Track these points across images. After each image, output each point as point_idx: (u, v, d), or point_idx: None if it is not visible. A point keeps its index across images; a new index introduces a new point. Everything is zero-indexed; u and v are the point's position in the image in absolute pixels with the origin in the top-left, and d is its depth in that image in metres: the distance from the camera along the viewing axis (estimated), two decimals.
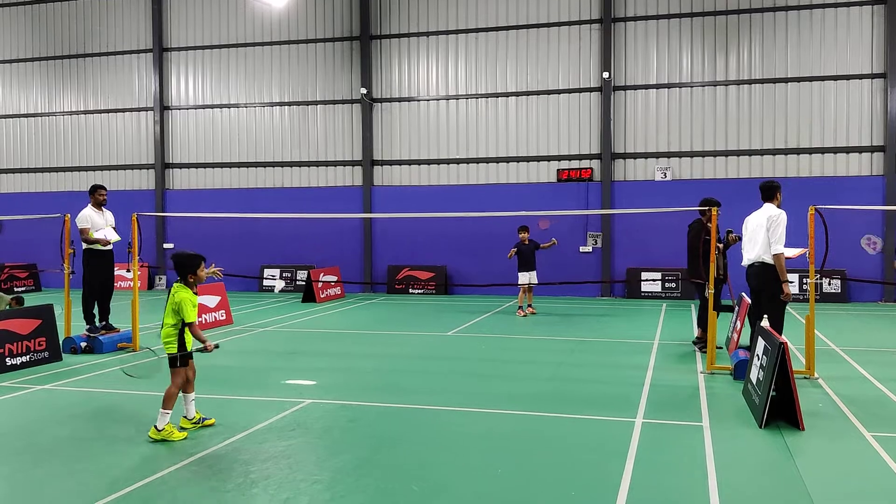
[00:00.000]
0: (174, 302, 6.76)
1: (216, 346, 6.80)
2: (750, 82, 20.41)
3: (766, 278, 8.95)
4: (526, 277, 16.52)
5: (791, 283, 8.87)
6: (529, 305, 16.98)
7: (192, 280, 6.94)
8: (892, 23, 19.31)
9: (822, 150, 19.98)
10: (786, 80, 20.18)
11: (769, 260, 8.89)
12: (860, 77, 19.72)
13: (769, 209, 9.11)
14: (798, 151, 20.14)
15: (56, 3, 25.76)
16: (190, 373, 7.03)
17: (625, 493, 5.29)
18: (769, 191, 9.31)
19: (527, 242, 16.63)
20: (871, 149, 19.71)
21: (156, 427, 6.62)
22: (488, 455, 6.27)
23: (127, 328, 12.34)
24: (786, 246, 9.12)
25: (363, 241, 23.24)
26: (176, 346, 6.83)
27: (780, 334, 9.01)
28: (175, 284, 6.94)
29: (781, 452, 6.30)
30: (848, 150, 19.85)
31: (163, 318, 6.92)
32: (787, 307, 9.44)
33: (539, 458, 6.19)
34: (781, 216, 8.94)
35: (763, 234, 8.95)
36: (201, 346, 6.74)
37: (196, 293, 6.97)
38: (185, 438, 6.64)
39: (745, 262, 9.32)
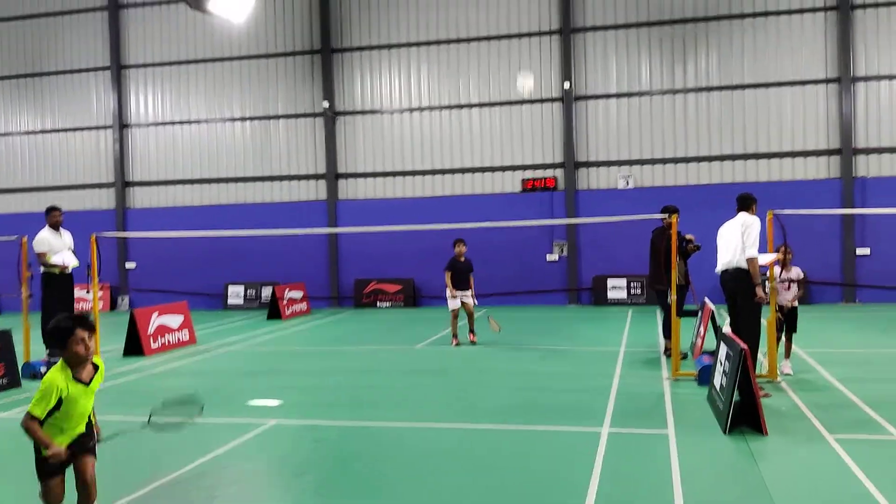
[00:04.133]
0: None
1: (63, 454, 4.68)
2: (708, 89, 20.70)
3: (740, 283, 9.03)
4: (457, 300, 13.84)
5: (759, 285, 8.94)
6: (471, 331, 14.08)
7: (66, 357, 4.68)
8: (843, 29, 19.73)
9: (781, 155, 20.32)
10: (743, 87, 20.50)
11: (744, 265, 8.97)
12: (815, 82, 20.11)
13: (743, 216, 9.20)
14: (757, 156, 20.46)
15: (11, 22, 25.31)
16: (81, 479, 4.83)
17: None
18: (744, 202, 9.38)
19: (462, 259, 14.06)
20: (828, 152, 20.08)
21: None
22: (454, 471, 6.22)
23: None
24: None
25: (329, 255, 23.10)
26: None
27: (758, 338, 9.10)
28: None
29: (745, 458, 6.34)
30: (805, 153, 20.20)
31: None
32: None
33: (506, 472, 6.16)
34: (755, 222, 9.05)
35: (737, 240, 9.04)
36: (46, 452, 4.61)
37: (81, 379, 4.72)
38: None
39: (720, 267, 9.39)
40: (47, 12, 25.01)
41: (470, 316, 14.20)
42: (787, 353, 10.16)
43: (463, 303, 13.91)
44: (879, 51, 19.82)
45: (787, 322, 10.14)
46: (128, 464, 6.83)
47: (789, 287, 10.12)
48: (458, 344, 13.83)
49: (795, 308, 10.22)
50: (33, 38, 25.20)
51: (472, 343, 13.91)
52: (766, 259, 9.39)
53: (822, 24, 20.08)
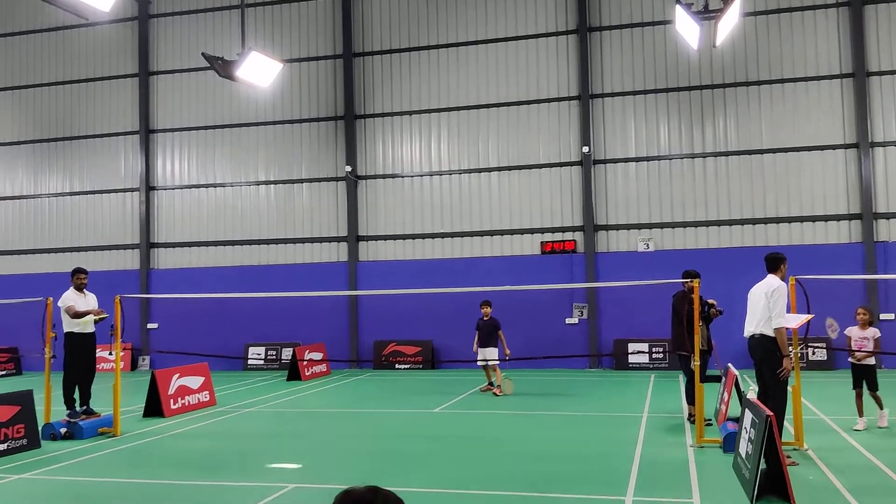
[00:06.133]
0: None
1: None
2: (727, 154, 20.83)
3: (765, 350, 8.91)
4: (481, 356, 15.71)
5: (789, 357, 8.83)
6: (495, 384, 15.77)
7: None
8: (860, 95, 19.90)
9: (801, 219, 20.28)
10: (761, 152, 20.61)
11: (768, 332, 8.86)
12: (833, 147, 20.18)
13: (770, 281, 9.07)
14: (777, 220, 20.43)
15: (44, 88, 26.14)
16: None
17: None
18: (772, 262, 9.26)
19: (486, 319, 15.88)
20: (849, 217, 20.02)
21: None
22: None
23: (108, 412, 12.13)
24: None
25: (349, 316, 23.15)
26: None
27: (784, 405, 8.95)
28: None
29: None
30: (826, 218, 20.15)
31: None
32: None
33: None
34: (781, 289, 8.91)
35: (762, 307, 8.93)
36: None
37: None
38: None
39: (746, 333, 9.28)
40: (80, 79, 25.83)
41: (494, 370, 15.86)
42: (881, 406, 10.69)
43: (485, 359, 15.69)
44: None
45: (868, 381, 10.68)
46: None
47: (861, 347, 10.70)
48: (484, 390, 15.87)
49: (872, 366, 10.79)
50: (65, 103, 25.97)
51: (496, 395, 15.36)
52: (795, 322, 9.23)
53: (838, 90, 20.27)
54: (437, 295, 21.56)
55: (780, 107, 20.61)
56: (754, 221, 20.57)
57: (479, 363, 16.09)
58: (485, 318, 15.90)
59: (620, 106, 21.68)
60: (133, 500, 7.84)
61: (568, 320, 21.60)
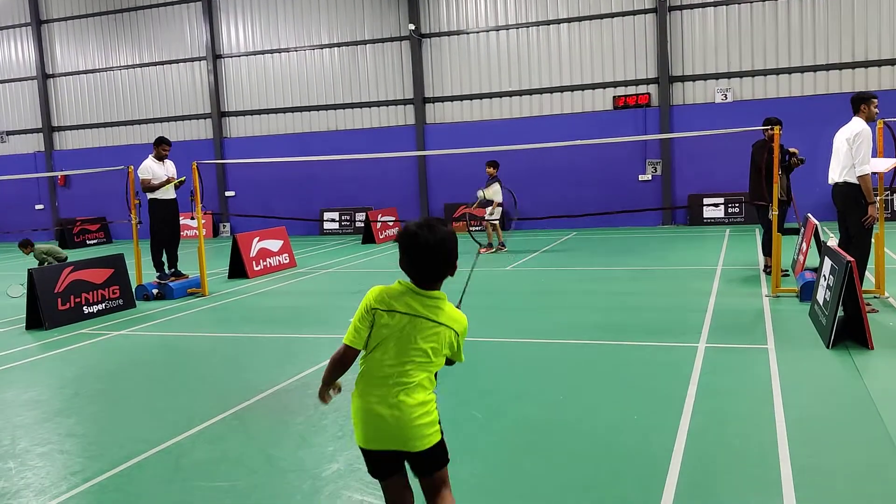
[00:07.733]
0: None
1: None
2: None
3: (849, 198, 8.59)
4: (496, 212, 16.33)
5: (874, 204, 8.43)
6: (501, 243, 16.72)
7: None
8: None
9: (893, 62, 19.01)
10: None
11: (852, 179, 8.50)
12: None
13: (854, 125, 8.55)
14: (866, 64, 19.22)
15: None
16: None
17: (688, 417, 5.29)
18: (856, 102, 8.68)
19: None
20: None
21: None
22: (549, 382, 6.33)
23: (195, 274, 12.73)
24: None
25: (418, 180, 23.27)
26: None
27: (867, 253, 8.70)
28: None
29: (850, 371, 6.20)
30: None
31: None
32: None
33: (600, 385, 6.22)
34: (864, 132, 8.38)
35: (845, 153, 8.52)
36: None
37: None
38: None
39: (830, 181, 8.93)
40: None
41: (494, 229, 16.69)
42: None
43: None
44: None
45: None
46: (238, 373, 7.23)
47: None
48: (492, 250, 16.36)
49: None
50: None
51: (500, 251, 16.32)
52: (882, 166, 8.80)
53: None
54: (505, 155, 21.32)
55: None
56: (841, 66, 19.41)
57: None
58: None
59: None
60: (224, 351, 8.34)
61: (641, 177, 21.23)
